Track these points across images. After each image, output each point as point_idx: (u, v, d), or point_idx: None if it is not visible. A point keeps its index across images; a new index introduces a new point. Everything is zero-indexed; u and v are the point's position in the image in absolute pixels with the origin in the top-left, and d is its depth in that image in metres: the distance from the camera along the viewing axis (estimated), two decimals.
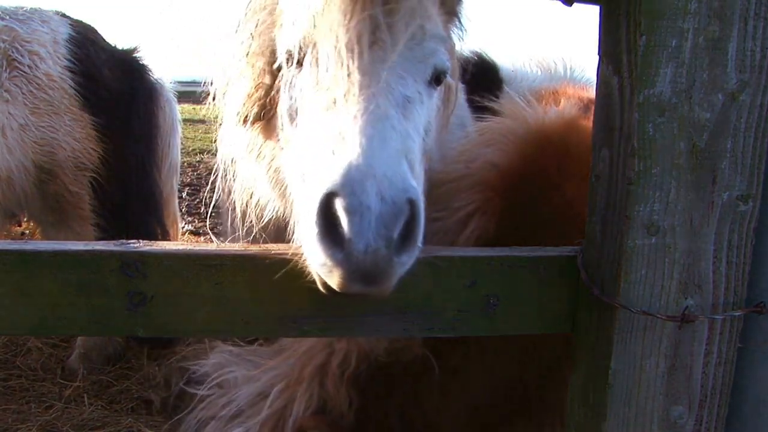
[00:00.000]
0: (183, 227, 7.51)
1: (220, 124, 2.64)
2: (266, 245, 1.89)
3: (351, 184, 1.60)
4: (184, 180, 7.37)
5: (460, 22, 2.49)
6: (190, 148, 15.36)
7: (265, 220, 2.51)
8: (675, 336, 1.73)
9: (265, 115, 2.37)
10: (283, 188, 2.29)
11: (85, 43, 5.19)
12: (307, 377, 2.53)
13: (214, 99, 2.62)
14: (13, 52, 4.83)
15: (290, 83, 2.16)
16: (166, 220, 5.94)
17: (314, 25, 2.01)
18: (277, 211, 2.48)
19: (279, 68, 2.24)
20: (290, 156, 2.13)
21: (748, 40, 1.62)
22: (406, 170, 1.71)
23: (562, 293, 1.92)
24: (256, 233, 2.80)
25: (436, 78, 2.14)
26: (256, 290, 1.80)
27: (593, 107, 1.88)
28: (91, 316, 1.80)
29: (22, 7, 5.16)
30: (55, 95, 4.89)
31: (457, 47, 2.62)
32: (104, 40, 5.51)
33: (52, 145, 4.90)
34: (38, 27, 5.00)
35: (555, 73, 3.46)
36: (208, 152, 14.62)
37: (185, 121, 6.17)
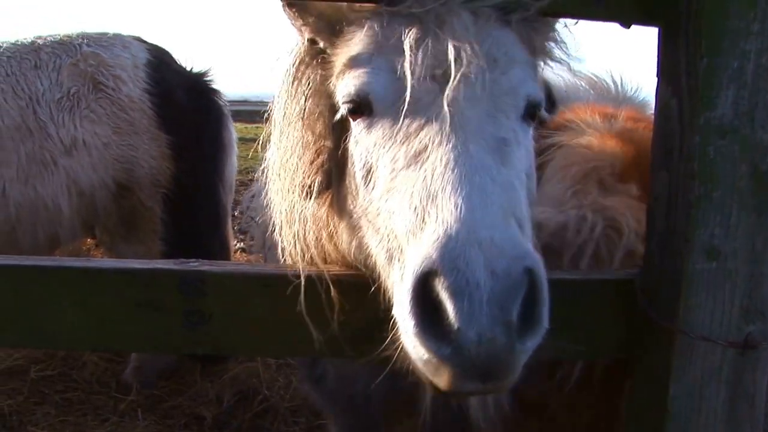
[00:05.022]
0: (234, 245, 7.62)
1: (280, 197, 2.13)
2: (327, 265, 1.89)
3: (451, 258, 1.32)
4: (236, 198, 7.48)
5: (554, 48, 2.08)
6: (242, 167, 15.57)
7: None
8: (737, 363, 1.68)
9: (334, 185, 1.96)
10: (370, 266, 1.81)
11: (161, 66, 5.51)
12: None
13: (269, 171, 2.20)
14: (98, 76, 5.17)
15: (360, 139, 1.79)
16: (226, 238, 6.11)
17: (377, 66, 1.74)
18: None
19: (342, 125, 1.87)
20: (369, 227, 1.75)
21: None
22: (516, 231, 1.42)
23: (618, 317, 1.89)
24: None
25: (531, 112, 1.80)
26: (316, 310, 1.81)
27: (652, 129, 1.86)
28: (151, 333, 1.85)
29: (106, 33, 5.56)
30: (135, 116, 5.19)
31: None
32: (177, 63, 5.82)
33: (131, 162, 5.19)
34: (120, 52, 5.36)
35: (608, 93, 3.40)
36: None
37: (237, 139, 6.28)
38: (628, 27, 1.90)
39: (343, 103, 1.80)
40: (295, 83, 2.01)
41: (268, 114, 2.17)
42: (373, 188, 1.70)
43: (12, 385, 5.44)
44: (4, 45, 5.22)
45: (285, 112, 2.05)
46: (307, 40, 1.98)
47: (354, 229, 1.84)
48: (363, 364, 2.10)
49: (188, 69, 5.81)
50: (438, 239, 1.36)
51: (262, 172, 2.28)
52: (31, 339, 1.97)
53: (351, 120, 1.80)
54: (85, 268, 1.88)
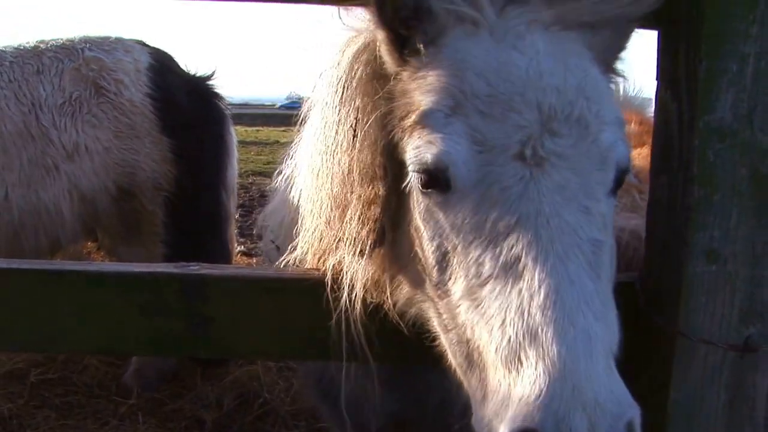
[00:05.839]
0: (236, 248, 7.63)
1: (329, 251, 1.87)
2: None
3: (555, 421, 1.24)
4: (236, 201, 7.51)
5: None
6: (242, 170, 15.60)
7: None
8: (736, 366, 1.68)
9: (388, 237, 1.73)
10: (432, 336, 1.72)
11: (163, 70, 5.53)
12: None
13: (303, 205, 1.97)
14: (100, 80, 5.20)
15: (433, 212, 1.57)
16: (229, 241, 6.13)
17: (456, 132, 1.50)
18: None
19: (402, 174, 1.64)
20: (443, 314, 1.61)
21: None
22: (617, 380, 1.34)
23: (619, 320, 1.89)
24: None
25: (619, 182, 1.60)
26: (318, 315, 1.81)
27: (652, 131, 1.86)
28: (153, 337, 1.84)
29: (108, 37, 5.57)
30: (136, 120, 5.22)
31: None
32: (179, 66, 5.83)
33: (133, 166, 5.21)
34: (122, 56, 5.38)
35: None
36: (260, 174, 14.87)
37: (237, 142, 6.30)
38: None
39: (414, 171, 1.57)
40: (345, 108, 1.76)
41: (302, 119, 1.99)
42: (449, 279, 1.54)
43: (12, 389, 5.45)
44: (7, 50, 5.24)
45: (326, 138, 1.81)
46: (377, 53, 1.71)
47: (417, 297, 1.73)
48: (381, 392, 2.08)
49: (190, 72, 5.84)
50: (540, 396, 1.26)
51: (288, 195, 2.11)
52: (33, 342, 1.98)
53: (421, 188, 1.58)
54: (86, 272, 1.88)
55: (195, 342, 1.87)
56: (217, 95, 5.85)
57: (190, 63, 5.88)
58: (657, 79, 1.81)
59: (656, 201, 1.80)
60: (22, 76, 5.06)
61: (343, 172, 1.76)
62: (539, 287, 1.35)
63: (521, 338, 1.34)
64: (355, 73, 1.75)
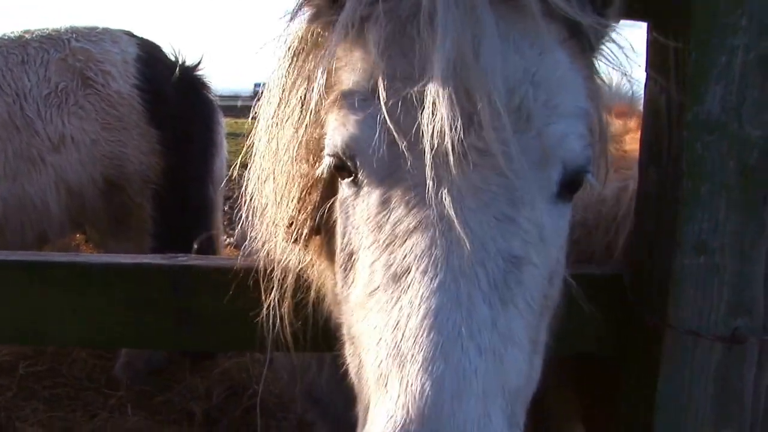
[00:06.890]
0: (224, 240, 7.60)
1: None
2: None
3: None
4: (225, 193, 7.47)
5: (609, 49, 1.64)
6: (232, 162, 15.55)
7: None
8: (724, 358, 1.69)
9: (324, 229, 1.58)
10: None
11: (151, 61, 5.49)
12: None
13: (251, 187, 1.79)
14: (87, 71, 5.15)
15: (347, 206, 1.42)
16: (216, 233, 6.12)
17: (371, 115, 1.32)
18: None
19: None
20: (344, 322, 1.48)
21: None
22: (497, 423, 1.12)
23: (606, 312, 1.89)
24: None
25: (570, 185, 1.39)
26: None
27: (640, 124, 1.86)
28: (141, 329, 1.83)
29: (96, 28, 5.52)
30: (124, 111, 5.18)
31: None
32: (167, 57, 5.78)
33: (121, 159, 5.18)
34: (110, 47, 5.33)
35: None
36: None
37: (227, 134, 6.26)
38: (617, 22, 1.89)
39: (327, 154, 1.42)
40: (295, 76, 1.58)
41: (256, 109, 1.78)
42: (351, 282, 1.40)
43: (0, 382, 5.42)
44: None
45: (277, 109, 1.63)
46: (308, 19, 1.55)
47: (337, 297, 1.56)
48: None
49: (178, 63, 5.77)
50: None
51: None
52: (19, 335, 1.96)
53: (338, 176, 1.44)
54: (73, 264, 1.87)
55: (183, 334, 1.86)
56: (205, 86, 5.81)
57: (181, 54, 5.78)
58: (646, 71, 1.80)
59: (645, 193, 1.80)
60: (6, 65, 5.00)
61: (288, 148, 1.58)
62: (418, 307, 1.18)
63: (390, 363, 1.18)
64: (307, 37, 1.57)
